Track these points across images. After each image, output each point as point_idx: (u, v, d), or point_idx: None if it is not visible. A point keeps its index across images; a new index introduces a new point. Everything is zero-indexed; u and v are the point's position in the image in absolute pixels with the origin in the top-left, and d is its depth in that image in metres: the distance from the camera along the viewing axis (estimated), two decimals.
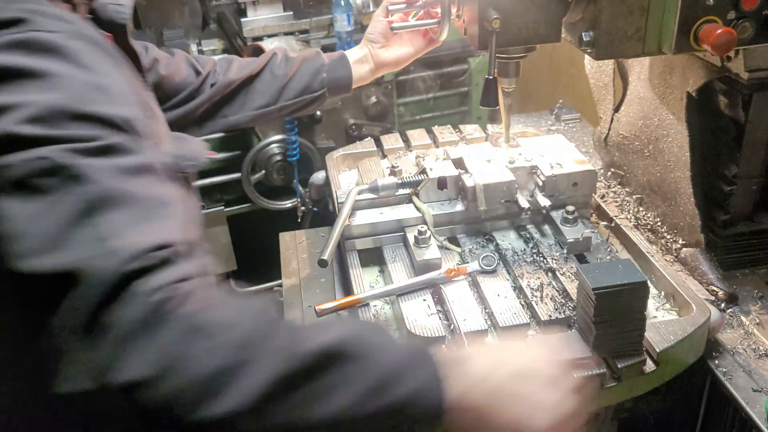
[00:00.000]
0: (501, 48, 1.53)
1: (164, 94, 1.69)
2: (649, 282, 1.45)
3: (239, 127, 1.88)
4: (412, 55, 1.84)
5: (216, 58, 1.84)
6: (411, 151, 2.11)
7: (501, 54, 1.63)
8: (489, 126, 2.15)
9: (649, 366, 1.40)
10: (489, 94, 1.57)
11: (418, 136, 2.18)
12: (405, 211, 1.76)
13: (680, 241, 1.77)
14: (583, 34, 1.50)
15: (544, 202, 1.75)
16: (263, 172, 3.14)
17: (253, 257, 3.24)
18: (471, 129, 2.21)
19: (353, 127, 3.21)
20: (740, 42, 1.41)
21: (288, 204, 3.29)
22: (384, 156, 2.13)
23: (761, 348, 1.52)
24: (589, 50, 1.51)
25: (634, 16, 1.45)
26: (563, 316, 1.49)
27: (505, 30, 1.48)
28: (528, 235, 1.78)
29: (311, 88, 1.78)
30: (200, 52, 3.31)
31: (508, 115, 1.83)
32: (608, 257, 1.69)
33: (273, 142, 3.10)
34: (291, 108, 1.81)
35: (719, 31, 1.36)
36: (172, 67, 1.72)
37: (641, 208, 1.93)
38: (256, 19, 3.20)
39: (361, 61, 1.81)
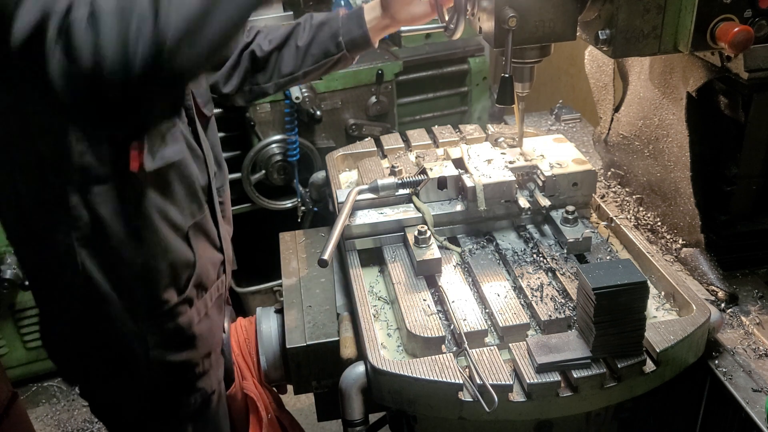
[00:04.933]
0: (517, 46, 1.54)
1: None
2: (649, 282, 1.45)
3: (266, 95, 1.97)
4: (425, 15, 1.84)
5: (257, 27, 1.93)
6: (411, 151, 2.11)
7: (516, 59, 1.64)
8: (489, 126, 2.15)
9: (649, 366, 1.40)
10: (505, 92, 1.57)
11: (418, 136, 2.18)
12: (405, 211, 1.76)
13: (680, 241, 1.77)
14: (599, 32, 1.50)
15: (544, 202, 1.75)
16: (263, 172, 3.14)
17: (253, 257, 3.24)
18: (471, 129, 2.21)
19: (353, 127, 3.21)
20: (757, 40, 1.41)
21: (288, 204, 3.29)
22: (384, 156, 2.14)
23: (761, 348, 1.52)
24: (605, 48, 1.52)
25: (651, 14, 1.46)
26: (563, 316, 1.49)
27: (522, 28, 1.49)
28: (528, 235, 1.78)
29: (330, 52, 1.84)
30: None
31: (522, 119, 1.84)
32: (608, 257, 1.69)
33: (273, 142, 3.10)
34: (315, 73, 1.89)
35: (736, 29, 1.37)
36: None
37: (641, 208, 1.93)
38: (256, 19, 3.20)
39: (377, 19, 1.83)
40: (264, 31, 1.90)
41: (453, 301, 1.55)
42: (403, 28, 1.80)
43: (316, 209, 3.26)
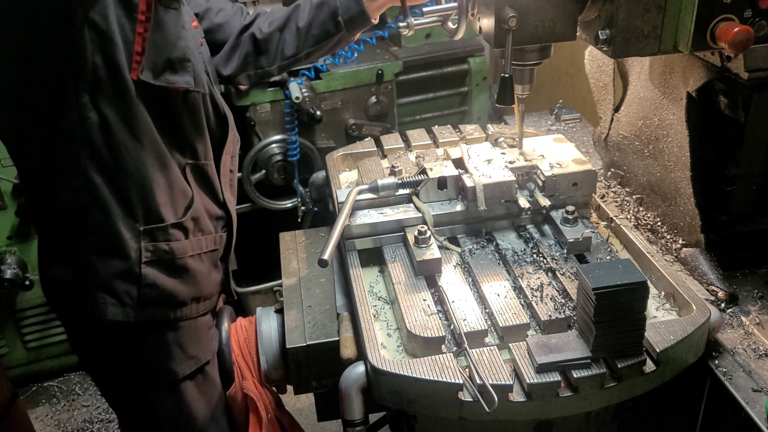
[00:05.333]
0: (517, 46, 1.54)
1: (215, 39, 1.91)
2: (649, 282, 1.45)
3: (271, 77, 2.03)
4: None
5: (256, 11, 1.99)
6: (411, 151, 2.11)
7: (516, 62, 1.64)
8: (489, 126, 2.15)
9: (649, 366, 1.40)
10: (505, 92, 1.57)
11: (418, 136, 2.18)
12: (405, 211, 1.76)
13: (680, 241, 1.77)
14: (599, 32, 1.50)
15: (544, 202, 1.75)
16: (263, 171, 3.14)
17: (253, 257, 3.24)
18: (471, 129, 2.21)
19: (353, 127, 3.21)
20: (757, 40, 1.41)
21: (288, 204, 3.29)
22: (384, 156, 2.14)
23: (761, 348, 1.52)
24: (605, 48, 1.52)
25: (651, 14, 1.46)
26: (563, 316, 1.49)
27: (522, 28, 1.49)
28: (528, 235, 1.78)
29: (330, 32, 1.87)
30: None
31: (522, 120, 1.84)
32: (608, 257, 1.69)
33: (273, 142, 3.10)
34: (317, 53, 1.93)
35: (737, 29, 1.37)
36: (226, 17, 1.92)
37: (641, 208, 1.93)
38: None
39: None
40: (264, 14, 1.94)
41: (453, 301, 1.55)
42: (401, 24, 1.80)
43: (316, 209, 3.26)
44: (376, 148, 2.15)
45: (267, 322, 1.79)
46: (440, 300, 1.58)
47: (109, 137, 1.47)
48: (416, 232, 1.66)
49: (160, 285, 1.58)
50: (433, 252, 1.64)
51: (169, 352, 1.64)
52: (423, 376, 1.35)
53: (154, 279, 1.57)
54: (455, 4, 1.78)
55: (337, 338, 1.65)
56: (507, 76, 1.56)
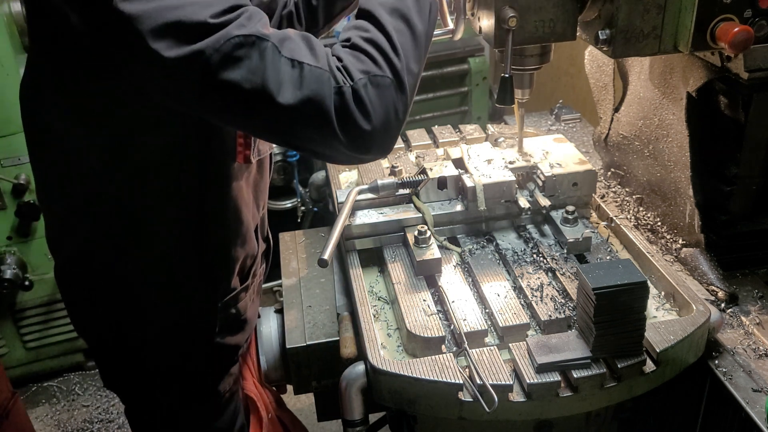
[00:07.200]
0: (517, 46, 1.54)
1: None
2: (649, 282, 1.45)
3: None
4: None
5: None
6: (411, 151, 2.11)
7: (516, 66, 1.64)
8: (489, 126, 2.15)
9: (649, 366, 1.40)
10: (505, 92, 1.57)
11: (418, 136, 2.18)
12: (405, 211, 1.76)
13: (680, 241, 1.77)
14: (599, 32, 1.50)
15: (544, 202, 1.75)
16: None
17: None
18: (471, 129, 2.21)
19: None
20: (757, 40, 1.41)
21: (288, 204, 3.29)
22: None
23: (761, 348, 1.52)
24: (605, 48, 1.52)
25: (651, 14, 1.46)
26: (563, 316, 1.49)
27: (522, 28, 1.49)
28: (528, 235, 1.78)
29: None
30: None
31: (522, 123, 1.84)
32: (608, 257, 1.69)
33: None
34: (333, 24, 1.90)
35: (737, 29, 1.37)
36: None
37: (641, 208, 1.93)
38: None
39: None
40: None
41: (453, 301, 1.55)
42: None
43: (316, 209, 3.26)
44: None
45: (267, 322, 1.79)
46: (440, 300, 1.58)
47: (203, 214, 1.41)
48: (416, 232, 1.66)
49: (227, 344, 1.55)
50: (433, 252, 1.64)
51: (219, 372, 1.61)
52: (423, 376, 1.35)
53: (224, 341, 1.54)
54: None
55: (337, 338, 1.65)
56: (507, 76, 1.56)
